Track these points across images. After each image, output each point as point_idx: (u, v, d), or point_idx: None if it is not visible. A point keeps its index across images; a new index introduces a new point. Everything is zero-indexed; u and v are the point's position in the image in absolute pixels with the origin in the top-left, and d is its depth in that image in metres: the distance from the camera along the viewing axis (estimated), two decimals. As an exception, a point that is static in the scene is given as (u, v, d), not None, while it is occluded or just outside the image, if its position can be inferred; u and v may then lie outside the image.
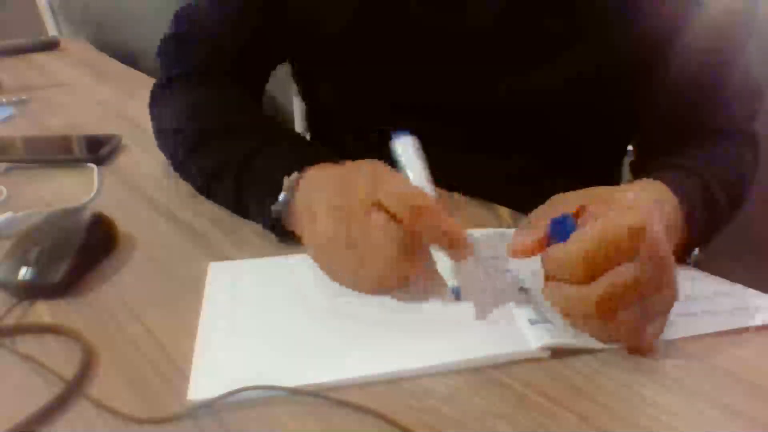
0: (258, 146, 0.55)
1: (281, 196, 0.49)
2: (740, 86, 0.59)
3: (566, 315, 0.41)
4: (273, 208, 0.49)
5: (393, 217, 0.41)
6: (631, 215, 0.38)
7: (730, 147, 0.60)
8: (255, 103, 0.67)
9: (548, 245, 0.40)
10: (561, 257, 0.39)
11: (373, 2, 0.60)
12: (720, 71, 0.58)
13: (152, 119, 0.69)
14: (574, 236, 0.39)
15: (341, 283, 0.45)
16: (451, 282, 0.42)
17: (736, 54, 0.58)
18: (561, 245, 0.39)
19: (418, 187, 0.44)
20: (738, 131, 0.61)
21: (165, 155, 0.67)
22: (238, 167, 0.55)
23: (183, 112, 0.66)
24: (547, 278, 0.41)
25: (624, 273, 0.37)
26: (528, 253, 0.41)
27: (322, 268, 0.46)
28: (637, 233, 0.37)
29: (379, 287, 0.44)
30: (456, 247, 0.42)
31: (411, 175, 0.46)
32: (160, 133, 0.68)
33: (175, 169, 0.65)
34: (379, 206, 0.42)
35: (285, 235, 0.51)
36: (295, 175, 0.49)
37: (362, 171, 0.45)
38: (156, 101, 0.70)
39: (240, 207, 0.56)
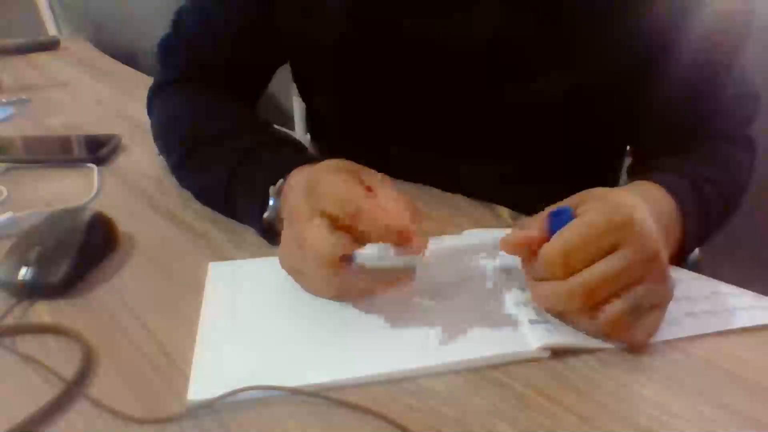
0: (237, 162, 0.55)
1: (271, 201, 0.49)
2: (736, 91, 0.59)
3: (555, 312, 0.41)
4: (265, 216, 0.49)
5: (335, 221, 0.40)
6: (615, 210, 0.38)
7: (726, 151, 0.60)
8: (238, 107, 0.65)
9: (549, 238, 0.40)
10: (542, 254, 0.39)
11: (365, 15, 0.60)
12: (716, 77, 0.58)
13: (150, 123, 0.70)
14: (557, 234, 0.39)
15: (302, 287, 0.45)
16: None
17: (732, 59, 0.57)
18: (546, 244, 0.39)
19: (357, 188, 0.42)
20: (734, 136, 0.61)
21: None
22: (225, 186, 0.55)
23: (166, 121, 0.67)
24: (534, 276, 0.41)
25: (604, 265, 0.37)
26: (518, 248, 0.42)
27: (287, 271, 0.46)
28: (620, 227, 0.38)
29: (324, 294, 0.44)
30: (403, 241, 0.39)
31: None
32: (154, 139, 0.69)
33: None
34: (321, 212, 0.41)
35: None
36: (280, 182, 0.49)
37: (313, 174, 0.44)
38: (149, 106, 0.71)
39: (235, 218, 0.56)
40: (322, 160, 0.48)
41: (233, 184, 0.54)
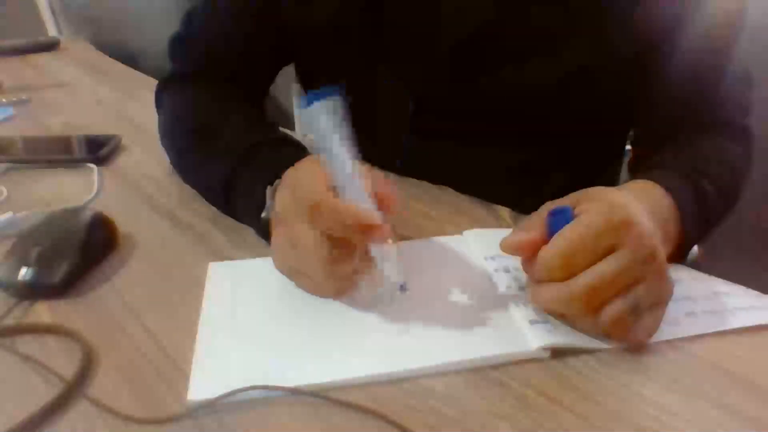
0: (237, 162, 0.54)
1: (268, 202, 0.49)
2: (733, 80, 0.59)
3: (556, 314, 0.41)
4: (263, 216, 0.49)
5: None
6: (613, 210, 0.38)
7: (723, 141, 0.60)
8: (240, 106, 0.65)
9: (548, 238, 0.40)
10: (542, 257, 0.39)
11: (358, 2, 0.60)
12: (713, 66, 0.58)
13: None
14: (556, 236, 0.39)
15: (301, 287, 0.45)
16: (395, 278, 0.41)
17: (729, 48, 0.58)
18: (545, 246, 0.39)
19: (319, 187, 0.41)
20: (731, 125, 0.61)
21: None
22: (225, 186, 0.55)
23: (169, 119, 0.67)
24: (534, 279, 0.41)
25: (603, 267, 0.37)
26: (518, 249, 0.42)
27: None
28: (619, 227, 0.38)
29: (320, 293, 0.44)
30: (368, 234, 0.39)
31: (326, 147, 0.40)
32: (160, 136, 0.69)
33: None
34: (308, 210, 0.41)
35: None
36: (276, 182, 0.49)
37: (298, 172, 0.44)
38: (156, 102, 0.72)
39: (236, 217, 0.56)
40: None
41: (233, 184, 0.54)
